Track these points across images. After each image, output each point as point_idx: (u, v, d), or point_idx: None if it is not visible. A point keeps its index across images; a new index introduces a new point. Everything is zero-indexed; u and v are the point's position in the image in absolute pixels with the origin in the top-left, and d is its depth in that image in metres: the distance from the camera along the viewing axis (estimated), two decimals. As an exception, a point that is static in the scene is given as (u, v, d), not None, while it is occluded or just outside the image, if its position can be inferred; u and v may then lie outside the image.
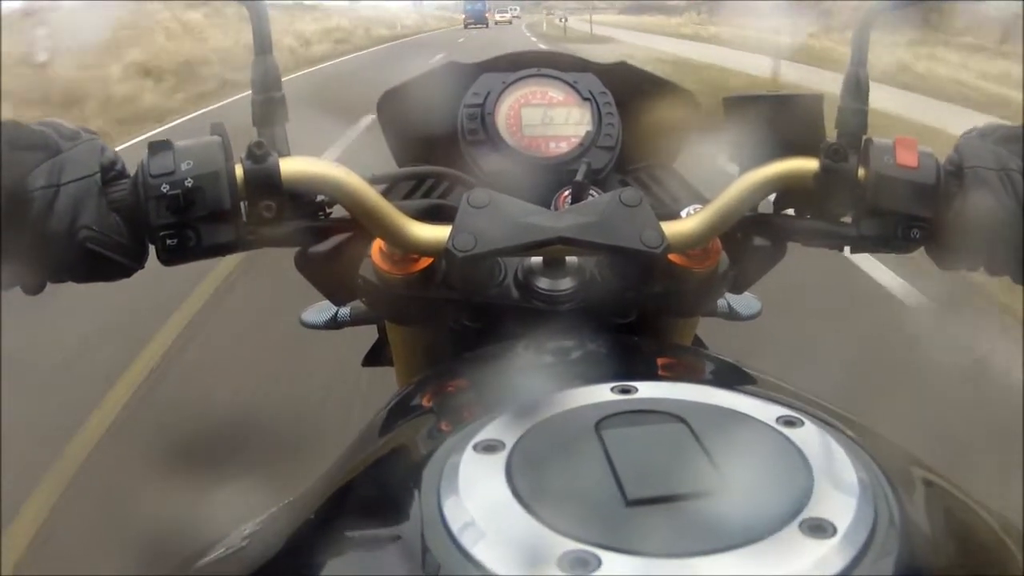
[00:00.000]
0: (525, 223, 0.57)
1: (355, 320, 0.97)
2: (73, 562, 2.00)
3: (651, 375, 0.58)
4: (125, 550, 1.89)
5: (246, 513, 0.57)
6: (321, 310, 0.99)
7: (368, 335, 0.97)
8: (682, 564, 0.32)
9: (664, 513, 0.35)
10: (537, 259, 0.64)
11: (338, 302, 0.91)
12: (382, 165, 0.73)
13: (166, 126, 8.45)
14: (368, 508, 0.42)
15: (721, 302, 0.93)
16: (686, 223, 0.61)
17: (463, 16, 53.39)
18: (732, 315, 0.96)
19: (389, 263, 0.63)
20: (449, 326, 0.67)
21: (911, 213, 0.61)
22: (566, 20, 34.23)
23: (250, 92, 0.63)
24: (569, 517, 0.35)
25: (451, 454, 0.40)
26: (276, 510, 0.54)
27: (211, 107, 9.79)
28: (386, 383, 0.84)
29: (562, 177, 0.75)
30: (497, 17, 55.55)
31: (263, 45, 0.62)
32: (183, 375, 3.03)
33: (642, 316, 0.66)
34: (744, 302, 0.96)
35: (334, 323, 0.98)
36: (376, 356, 0.96)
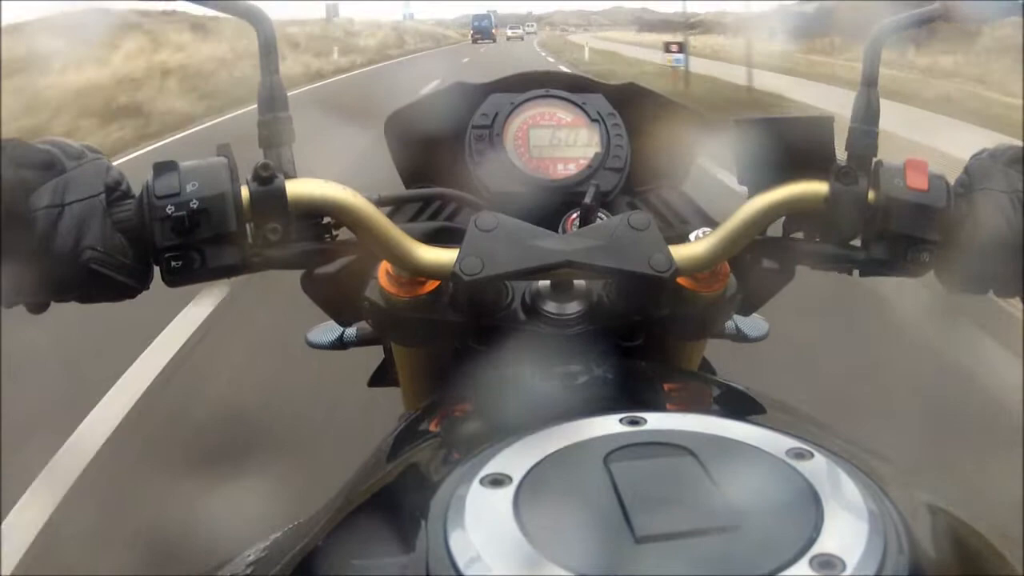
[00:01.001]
0: (533, 247, 0.56)
1: (361, 341, 0.97)
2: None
3: (660, 405, 0.58)
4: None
5: (250, 537, 0.56)
6: (327, 330, 0.99)
7: (374, 355, 0.97)
8: None
9: (673, 550, 0.35)
10: (545, 282, 0.64)
11: (344, 323, 0.91)
12: (389, 186, 0.73)
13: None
14: (374, 538, 0.42)
15: (729, 324, 0.93)
16: (695, 247, 0.61)
17: (470, 31, 56.23)
18: (740, 337, 0.95)
19: (395, 285, 0.63)
20: (455, 348, 0.66)
21: (921, 236, 0.61)
22: (681, 53, 14.34)
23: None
24: (577, 554, 0.34)
25: (458, 487, 0.39)
26: (280, 535, 0.54)
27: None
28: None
29: (570, 199, 0.74)
30: (509, 33, 59.59)
31: (270, 66, 0.62)
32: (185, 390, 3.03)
33: (649, 339, 0.66)
34: (752, 324, 0.96)
35: (340, 344, 0.98)
36: (382, 377, 0.96)
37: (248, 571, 0.51)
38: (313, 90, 15.93)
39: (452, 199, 0.74)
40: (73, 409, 2.79)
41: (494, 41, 51.00)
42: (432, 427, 0.58)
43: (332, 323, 0.95)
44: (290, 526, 0.54)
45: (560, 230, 0.72)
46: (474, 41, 51.65)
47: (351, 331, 0.97)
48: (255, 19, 0.62)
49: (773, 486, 0.39)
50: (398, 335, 0.72)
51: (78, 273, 0.56)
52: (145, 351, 3.30)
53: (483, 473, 0.40)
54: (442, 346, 0.68)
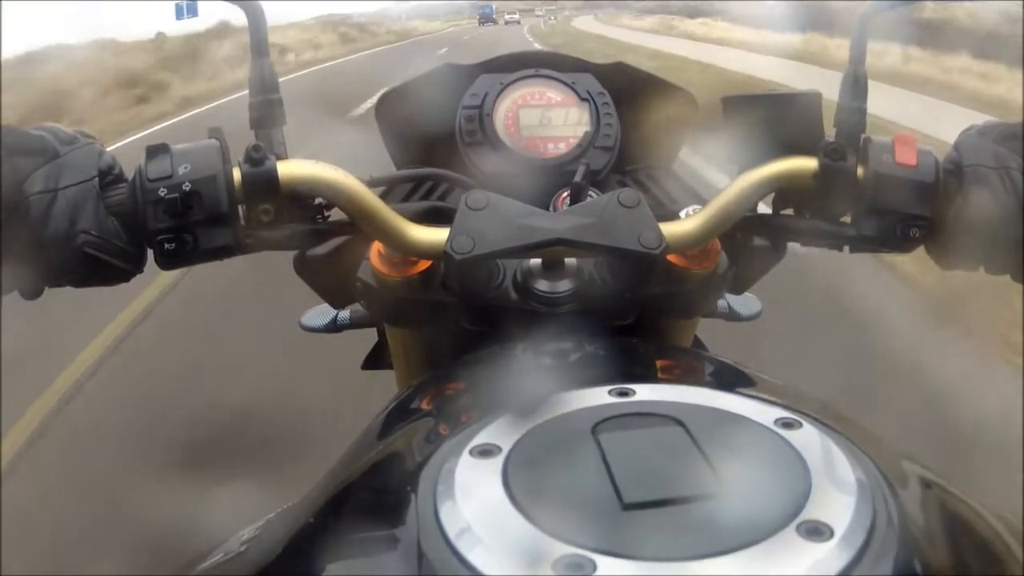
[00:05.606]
0: (523, 225, 0.56)
1: (354, 323, 0.97)
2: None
3: (649, 377, 0.58)
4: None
5: (245, 518, 0.57)
6: (320, 313, 0.99)
7: (368, 338, 0.97)
8: (678, 568, 0.32)
9: (661, 517, 0.35)
10: (536, 261, 0.64)
11: (337, 305, 0.91)
12: (380, 167, 0.73)
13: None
14: (365, 513, 0.42)
15: (721, 303, 0.93)
16: (685, 224, 0.61)
17: (478, 17, 73.74)
18: (732, 316, 0.95)
19: (388, 266, 0.63)
20: (448, 328, 0.66)
21: (910, 212, 0.61)
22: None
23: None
24: (565, 521, 0.34)
25: (447, 459, 0.40)
26: (274, 515, 0.54)
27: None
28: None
29: (560, 178, 0.75)
30: (507, 17, 71.28)
31: (260, 48, 0.62)
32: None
33: (641, 317, 0.66)
34: (744, 302, 0.96)
35: (333, 326, 0.98)
36: (376, 359, 0.96)
37: (242, 549, 0.51)
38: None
39: (443, 179, 0.74)
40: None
41: (496, 23, 66.00)
42: (423, 405, 0.58)
43: (326, 306, 0.95)
44: (283, 507, 0.54)
45: (551, 209, 0.72)
46: (480, 24, 66.92)
47: (344, 314, 0.97)
48: (244, 4, 0.62)
49: (761, 455, 0.39)
50: (391, 316, 0.72)
51: (72, 258, 0.56)
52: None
53: (472, 444, 0.40)
54: (434, 326, 0.68)
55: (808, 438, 0.40)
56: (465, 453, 0.40)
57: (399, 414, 0.57)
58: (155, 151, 0.57)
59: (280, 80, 0.62)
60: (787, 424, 0.41)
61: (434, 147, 0.79)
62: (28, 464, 2.51)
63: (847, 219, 0.64)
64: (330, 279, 0.70)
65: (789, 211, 0.66)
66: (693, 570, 0.32)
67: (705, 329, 0.83)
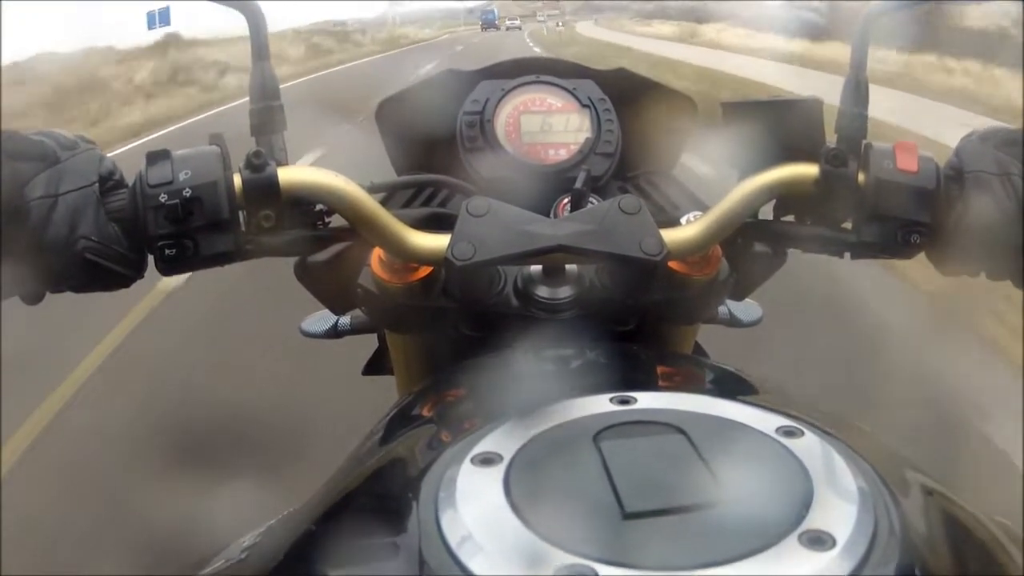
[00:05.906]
0: (524, 231, 0.56)
1: (355, 329, 0.97)
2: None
3: (651, 385, 0.58)
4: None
5: (245, 525, 0.57)
6: (321, 319, 0.99)
7: (368, 344, 0.97)
8: None
9: (662, 526, 0.35)
10: (536, 267, 0.64)
11: (338, 311, 0.91)
12: (381, 173, 0.73)
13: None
14: (366, 521, 0.42)
15: (722, 309, 0.93)
16: (686, 230, 0.61)
17: (480, 23, 76.26)
18: (733, 322, 0.96)
19: (388, 272, 0.63)
20: (449, 335, 0.66)
21: (911, 218, 0.61)
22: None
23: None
24: (566, 530, 0.34)
25: (449, 467, 0.40)
26: (275, 522, 0.54)
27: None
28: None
29: (561, 184, 0.75)
30: (508, 23, 74.01)
31: (260, 52, 0.62)
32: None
33: (642, 324, 0.66)
34: (745, 308, 0.96)
35: (334, 332, 0.98)
36: (376, 365, 0.96)
37: (243, 556, 0.51)
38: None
39: (444, 185, 0.74)
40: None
41: (499, 29, 67.59)
42: (425, 412, 0.58)
43: (327, 312, 0.95)
44: (284, 513, 0.54)
45: (552, 215, 0.72)
46: (483, 29, 68.76)
47: (345, 320, 0.97)
48: (245, 7, 0.62)
49: (763, 463, 0.39)
50: (391, 322, 0.72)
51: (73, 263, 0.56)
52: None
53: (474, 452, 0.40)
54: (435, 332, 0.68)
55: (809, 446, 0.40)
56: (467, 461, 0.39)
57: (400, 421, 0.57)
58: (156, 157, 0.57)
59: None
60: (788, 432, 0.41)
61: (435, 153, 0.79)
62: (29, 466, 2.51)
63: (848, 225, 0.64)
64: (331, 285, 0.70)
65: (790, 217, 0.66)
66: None
67: (705, 335, 0.83)
